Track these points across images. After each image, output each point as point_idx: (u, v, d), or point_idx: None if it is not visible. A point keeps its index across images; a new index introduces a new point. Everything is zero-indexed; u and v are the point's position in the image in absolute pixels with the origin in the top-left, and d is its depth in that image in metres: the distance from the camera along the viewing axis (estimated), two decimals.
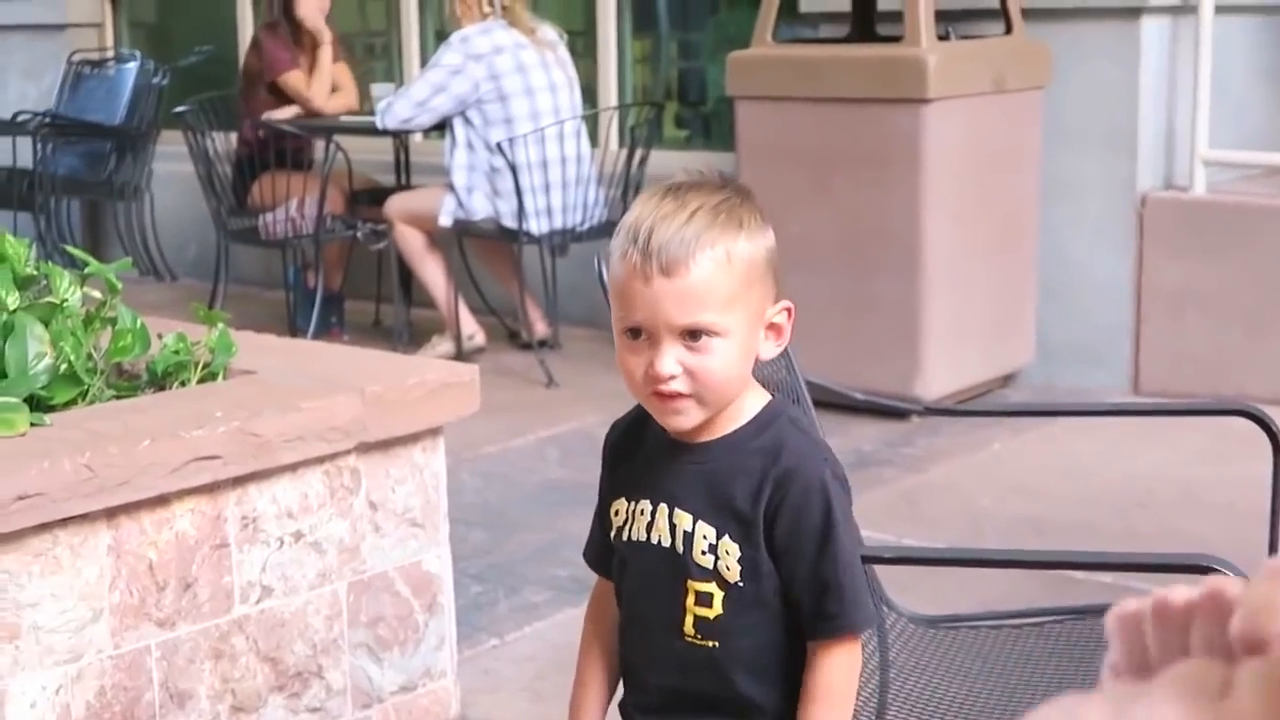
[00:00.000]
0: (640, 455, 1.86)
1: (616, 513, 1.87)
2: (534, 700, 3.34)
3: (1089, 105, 5.63)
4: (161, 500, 2.65)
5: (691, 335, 1.71)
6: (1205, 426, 4.82)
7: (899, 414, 5.07)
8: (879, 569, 2.62)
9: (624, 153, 6.37)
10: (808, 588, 1.76)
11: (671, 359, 1.71)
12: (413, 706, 3.11)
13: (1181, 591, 0.60)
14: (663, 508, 1.81)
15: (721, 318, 1.71)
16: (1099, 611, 2.60)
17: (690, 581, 1.79)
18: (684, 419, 1.76)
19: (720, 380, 1.74)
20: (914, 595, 2.88)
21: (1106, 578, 3.41)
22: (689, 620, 1.80)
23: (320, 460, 2.87)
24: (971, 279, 5.39)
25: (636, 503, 1.84)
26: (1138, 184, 5.61)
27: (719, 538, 1.77)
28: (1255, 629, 0.56)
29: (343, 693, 2.98)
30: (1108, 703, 0.53)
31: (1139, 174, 5.62)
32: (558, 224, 6.16)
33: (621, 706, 1.97)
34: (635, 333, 1.74)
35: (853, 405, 4.35)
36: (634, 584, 1.88)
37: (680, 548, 1.79)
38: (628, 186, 6.31)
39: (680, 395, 1.73)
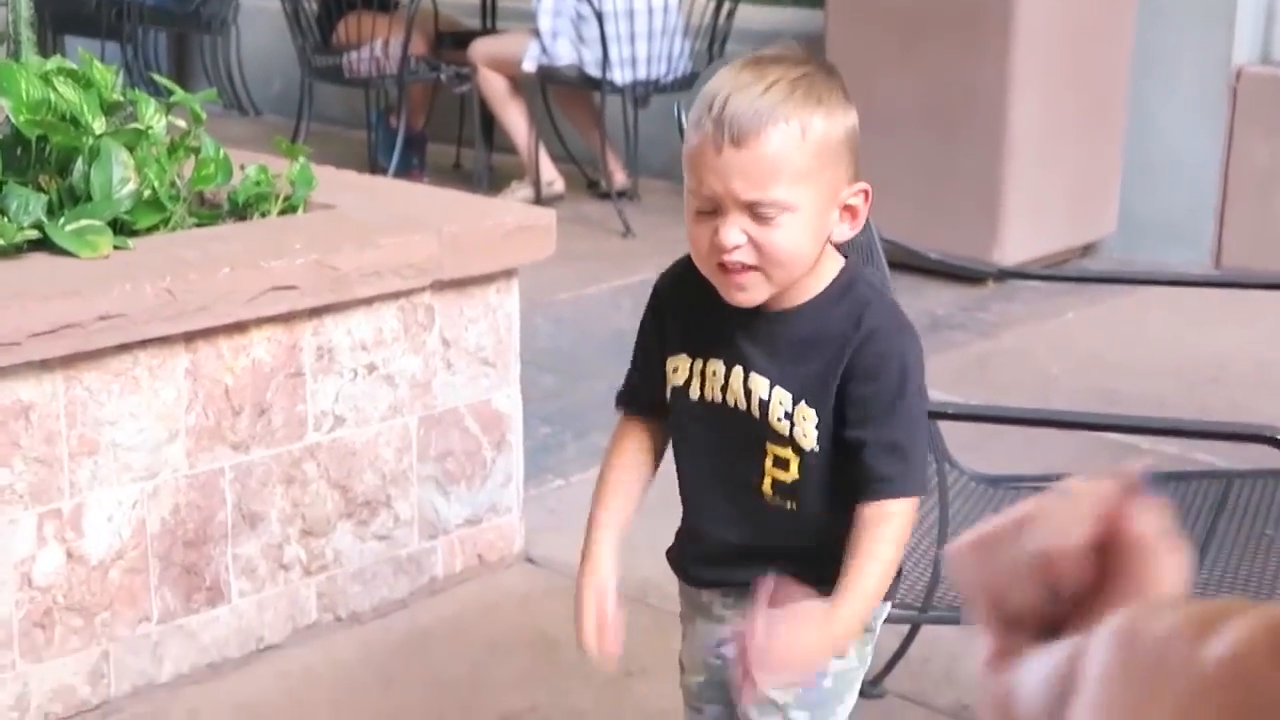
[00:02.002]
0: (706, 313, 1.83)
1: (675, 370, 1.85)
2: None
3: None
4: (239, 327, 2.70)
5: (760, 208, 1.69)
6: None
7: (974, 278, 5.05)
8: (944, 427, 2.64)
9: (711, 5, 6.30)
10: (873, 448, 1.74)
11: (736, 229, 1.70)
12: (477, 540, 3.18)
13: (993, 521, 0.63)
14: (737, 370, 1.80)
15: (790, 192, 1.69)
16: (1163, 479, 2.61)
17: (770, 445, 1.79)
18: (748, 294, 1.74)
19: (786, 256, 1.72)
20: (978, 456, 2.90)
21: (1172, 448, 3.41)
22: (767, 482, 1.80)
23: (395, 296, 2.91)
24: (1056, 149, 5.33)
25: (705, 362, 1.83)
26: (1233, 58, 5.51)
27: (795, 404, 1.77)
28: (1043, 546, 0.59)
29: (410, 523, 3.05)
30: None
31: (1235, 48, 5.51)
32: (641, 74, 6.12)
33: (674, 557, 1.98)
34: (705, 203, 1.72)
35: (928, 267, 4.35)
36: (706, 444, 1.88)
37: (757, 412, 1.79)
38: (714, 39, 6.26)
39: (745, 268, 1.71)
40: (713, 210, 1.71)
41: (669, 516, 2.04)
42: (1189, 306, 4.94)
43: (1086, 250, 5.72)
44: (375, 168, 6.45)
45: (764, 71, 1.71)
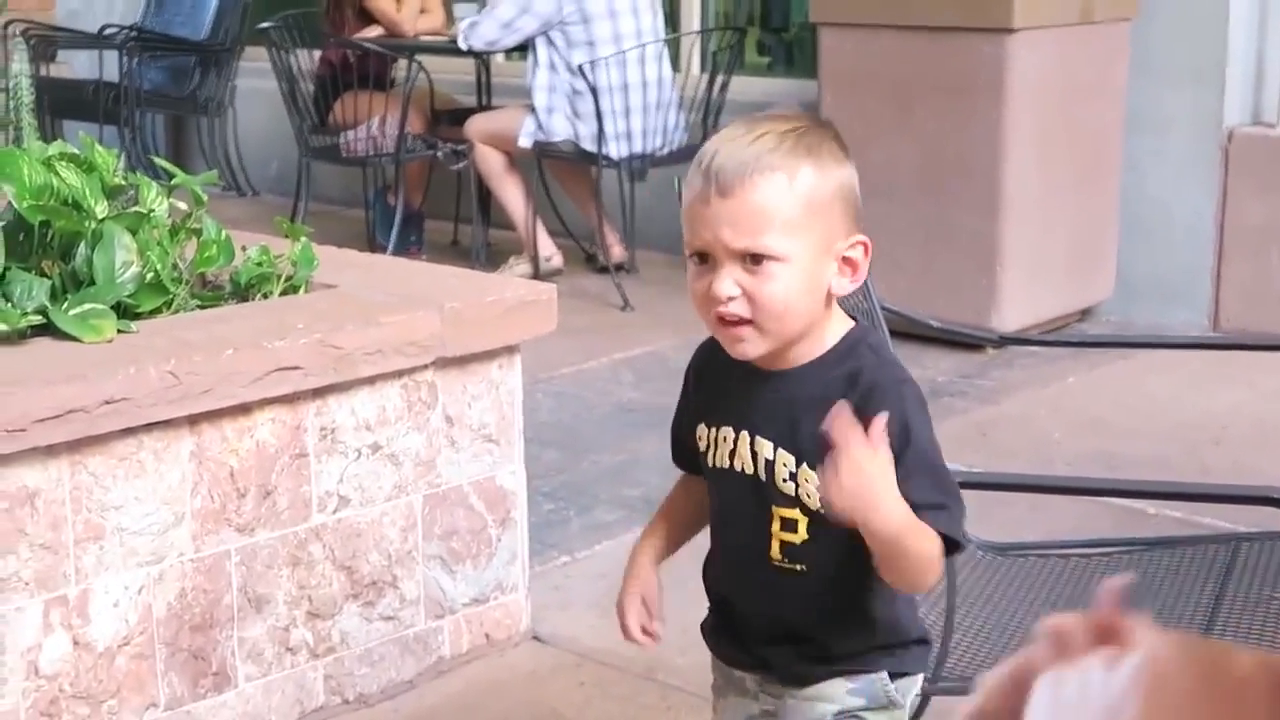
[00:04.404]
0: (721, 381, 1.86)
1: (700, 438, 1.88)
2: (603, 616, 3.37)
3: (1177, 38, 5.55)
4: (243, 409, 2.70)
5: (752, 259, 1.70)
6: None
7: (974, 344, 5.06)
8: None
9: (705, 78, 6.35)
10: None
11: (729, 281, 1.71)
12: (484, 618, 3.17)
13: (986, 684, 0.65)
14: (744, 435, 1.81)
15: (780, 242, 1.70)
16: (1168, 544, 2.60)
17: (775, 508, 1.79)
18: (746, 346, 1.75)
19: (779, 307, 1.72)
20: (983, 524, 2.89)
21: (1177, 512, 3.41)
22: (775, 546, 1.80)
23: (399, 374, 2.91)
24: (1052, 212, 5.36)
25: (718, 429, 1.84)
26: (1224, 119, 5.54)
27: (798, 465, 1.77)
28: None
29: (416, 603, 3.03)
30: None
31: (1226, 109, 5.54)
32: (637, 148, 6.16)
33: (706, 630, 1.98)
34: (701, 257, 1.74)
35: (928, 335, 4.36)
36: (722, 511, 1.90)
37: (763, 475, 1.80)
38: (708, 112, 6.30)
39: (741, 321, 1.73)
40: (708, 263, 1.73)
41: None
42: (1188, 368, 4.96)
43: (1085, 314, 5.74)
44: (374, 246, 6.48)
45: (755, 126, 1.74)
